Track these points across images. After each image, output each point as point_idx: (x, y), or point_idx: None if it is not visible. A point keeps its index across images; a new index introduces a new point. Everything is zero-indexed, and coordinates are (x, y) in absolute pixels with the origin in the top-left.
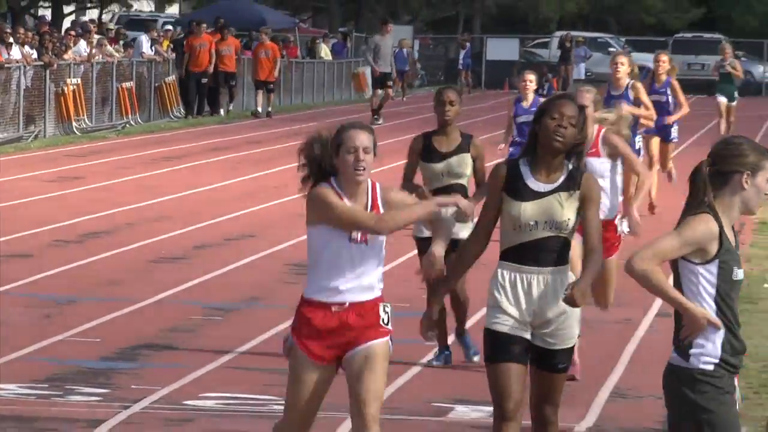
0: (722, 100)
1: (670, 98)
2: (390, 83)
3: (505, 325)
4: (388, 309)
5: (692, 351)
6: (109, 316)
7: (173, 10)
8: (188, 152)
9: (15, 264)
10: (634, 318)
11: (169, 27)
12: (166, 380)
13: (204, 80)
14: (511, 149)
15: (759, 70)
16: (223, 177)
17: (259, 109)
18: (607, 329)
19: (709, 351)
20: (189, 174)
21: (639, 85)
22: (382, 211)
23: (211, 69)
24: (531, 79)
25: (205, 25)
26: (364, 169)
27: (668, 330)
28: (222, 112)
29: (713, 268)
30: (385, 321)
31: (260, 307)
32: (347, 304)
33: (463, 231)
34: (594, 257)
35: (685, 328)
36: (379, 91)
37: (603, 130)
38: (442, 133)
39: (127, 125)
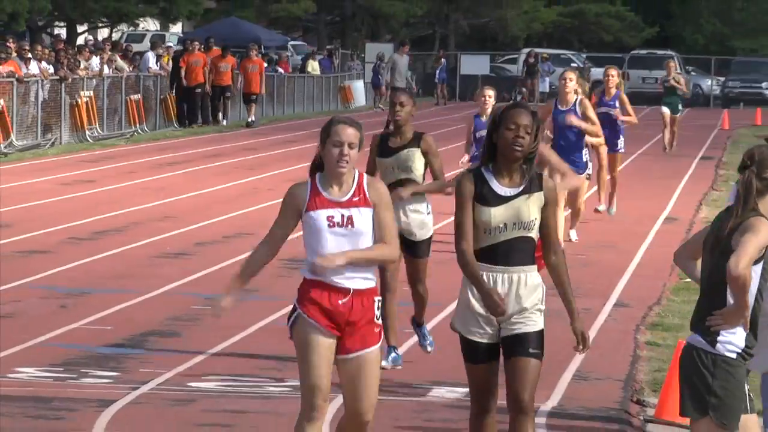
0: (666, 111)
1: (618, 110)
2: None
3: (476, 333)
4: (380, 304)
5: (720, 339)
6: (119, 306)
7: (177, 28)
8: (190, 158)
9: (34, 259)
10: (594, 307)
11: (170, 44)
12: (171, 364)
13: (198, 90)
14: (473, 163)
15: (707, 83)
16: (221, 181)
17: (249, 120)
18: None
19: (734, 341)
20: (191, 178)
21: (587, 101)
22: (369, 198)
23: (208, 84)
24: (489, 95)
25: (197, 43)
26: (347, 163)
27: (624, 318)
28: (223, 122)
29: (758, 268)
30: (378, 317)
31: (256, 298)
32: (350, 289)
33: (422, 231)
34: (560, 254)
35: (723, 318)
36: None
37: None
38: (396, 132)
39: (135, 134)
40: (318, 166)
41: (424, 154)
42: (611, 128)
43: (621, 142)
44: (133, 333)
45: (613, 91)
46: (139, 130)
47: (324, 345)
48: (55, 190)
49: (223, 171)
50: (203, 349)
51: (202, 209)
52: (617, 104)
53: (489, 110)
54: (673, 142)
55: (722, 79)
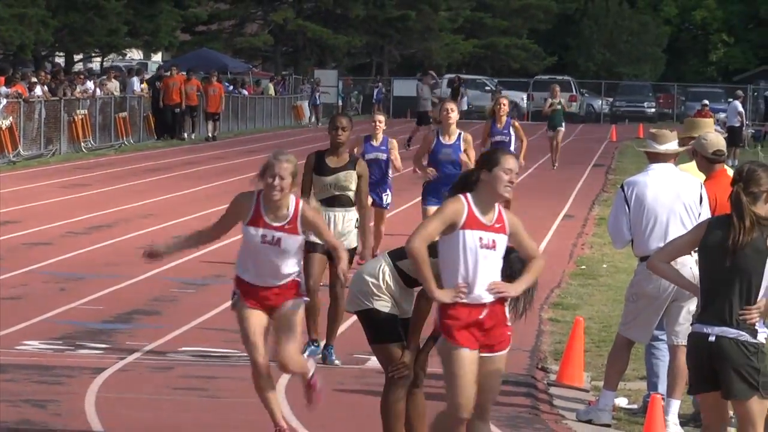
0: (551, 134)
1: (513, 138)
2: (431, 119)
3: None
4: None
5: (759, 329)
6: (109, 289)
7: (157, 57)
8: (168, 165)
9: (38, 249)
10: None
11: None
12: (153, 337)
13: (177, 110)
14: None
15: (598, 103)
16: (194, 184)
17: (210, 134)
18: None
19: (764, 329)
20: (169, 182)
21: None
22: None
23: (183, 103)
24: (380, 120)
25: (175, 68)
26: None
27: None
28: (186, 136)
29: None
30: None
31: (224, 282)
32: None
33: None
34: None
35: (760, 313)
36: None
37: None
38: (333, 152)
39: (123, 145)
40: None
41: (359, 176)
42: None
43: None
44: (122, 311)
45: (505, 119)
46: (126, 142)
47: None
48: (55, 192)
49: (195, 176)
50: (180, 325)
51: (179, 208)
52: (511, 131)
53: (380, 135)
54: (556, 158)
55: (611, 99)
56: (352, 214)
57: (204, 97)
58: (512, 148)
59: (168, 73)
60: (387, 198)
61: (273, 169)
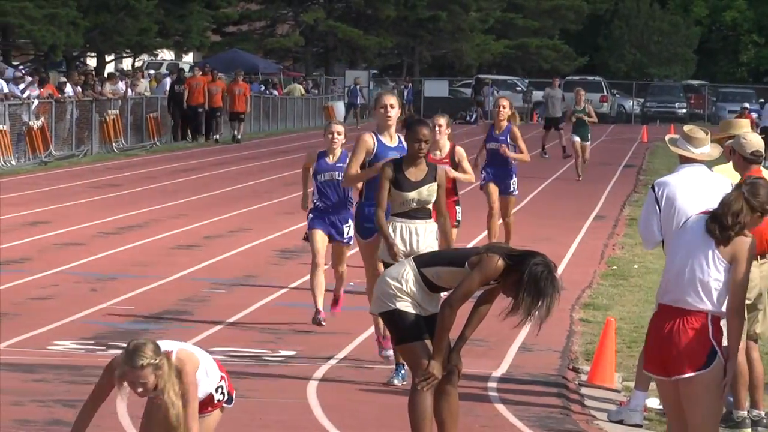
0: (576, 139)
1: (510, 146)
2: (561, 125)
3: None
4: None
5: None
6: (140, 289)
7: (188, 58)
8: (199, 166)
9: (69, 250)
10: None
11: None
12: (183, 338)
13: (200, 110)
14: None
15: (629, 103)
16: (226, 184)
17: (235, 135)
18: None
19: None
20: (200, 182)
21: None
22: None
23: (206, 104)
24: (339, 131)
25: (198, 69)
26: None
27: (561, 299)
28: (213, 137)
29: None
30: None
31: (255, 283)
32: None
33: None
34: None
35: None
36: (552, 131)
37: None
38: (412, 163)
39: (154, 145)
40: None
41: (438, 186)
42: (502, 168)
43: (513, 184)
44: (152, 312)
45: (504, 124)
46: (157, 143)
47: None
48: (87, 193)
49: (227, 176)
50: (210, 325)
51: (210, 208)
52: (508, 139)
53: (338, 150)
54: (584, 166)
55: (641, 100)
56: (433, 225)
57: (229, 97)
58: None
59: (191, 74)
60: (348, 230)
61: (131, 379)
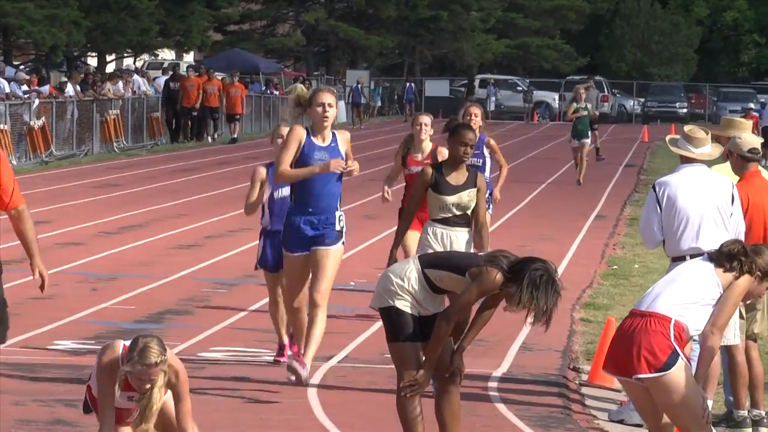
0: (575, 144)
1: (487, 159)
2: (596, 126)
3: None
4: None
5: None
6: (141, 289)
7: (189, 57)
8: (200, 166)
9: (70, 250)
10: None
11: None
12: (184, 337)
13: (194, 113)
14: None
15: (630, 103)
16: (227, 184)
17: (233, 135)
18: None
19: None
20: (201, 182)
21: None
22: None
23: (197, 105)
24: (330, 103)
25: (192, 70)
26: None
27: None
28: (209, 138)
29: None
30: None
31: (255, 282)
32: None
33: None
34: None
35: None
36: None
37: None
38: (454, 168)
39: (155, 145)
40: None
41: (478, 190)
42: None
43: (488, 201)
44: (153, 311)
45: (476, 135)
46: (158, 143)
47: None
48: (87, 192)
49: (227, 176)
50: (211, 325)
51: (211, 208)
52: (484, 151)
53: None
54: (581, 174)
55: (642, 99)
56: (470, 233)
57: (225, 98)
58: (487, 173)
59: (186, 74)
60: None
61: (141, 376)
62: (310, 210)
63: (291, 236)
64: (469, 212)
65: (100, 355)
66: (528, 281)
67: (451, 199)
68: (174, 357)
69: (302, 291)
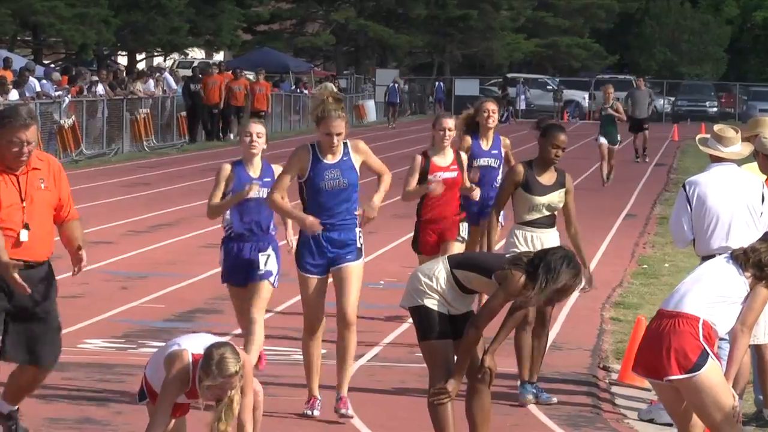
0: (603, 142)
1: (501, 163)
2: (646, 126)
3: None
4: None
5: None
6: (170, 288)
7: (219, 57)
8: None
9: (100, 248)
10: None
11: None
12: None
13: (215, 111)
14: None
15: (660, 102)
16: None
17: None
18: None
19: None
20: None
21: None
22: None
23: (222, 103)
24: (259, 132)
25: (215, 67)
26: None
27: (592, 298)
28: (231, 137)
29: None
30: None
31: (286, 280)
32: None
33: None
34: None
35: None
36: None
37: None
38: (545, 168)
39: (184, 144)
40: None
41: (566, 192)
42: (489, 191)
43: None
44: (182, 310)
45: (492, 135)
46: (187, 141)
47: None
48: (117, 191)
49: None
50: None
51: None
52: (502, 153)
53: (258, 162)
54: (610, 174)
55: (672, 98)
56: (557, 234)
57: (251, 96)
58: (499, 177)
59: (209, 71)
60: (275, 270)
61: (223, 387)
62: (328, 227)
63: (307, 255)
64: (556, 213)
65: (168, 365)
66: (545, 263)
67: (542, 199)
68: (244, 354)
69: (320, 319)
